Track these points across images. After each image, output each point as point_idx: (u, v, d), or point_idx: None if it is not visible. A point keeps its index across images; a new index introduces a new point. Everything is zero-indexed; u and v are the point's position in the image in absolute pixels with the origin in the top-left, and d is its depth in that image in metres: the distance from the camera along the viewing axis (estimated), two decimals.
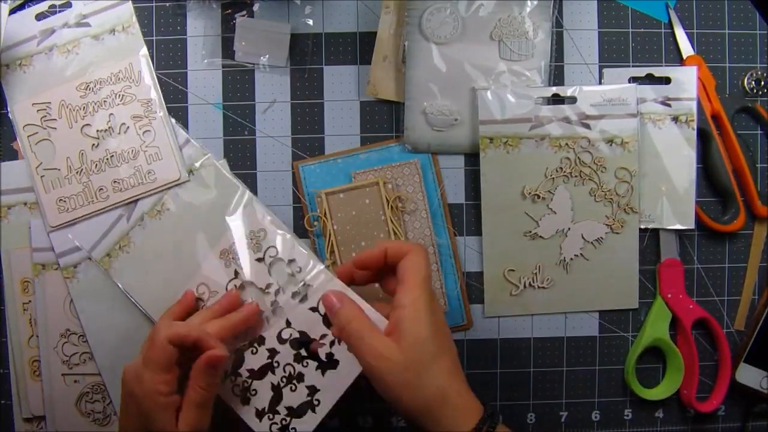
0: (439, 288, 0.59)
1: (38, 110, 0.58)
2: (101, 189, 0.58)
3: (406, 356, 0.44)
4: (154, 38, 0.59)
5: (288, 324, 0.52)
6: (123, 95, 0.58)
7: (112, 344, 0.58)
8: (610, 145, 0.59)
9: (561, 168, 0.59)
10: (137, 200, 0.58)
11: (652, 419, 0.61)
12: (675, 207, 0.59)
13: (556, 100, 0.59)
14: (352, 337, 0.46)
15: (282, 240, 0.54)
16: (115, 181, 0.58)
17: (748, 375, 0.60)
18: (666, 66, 0.60)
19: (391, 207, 0.58)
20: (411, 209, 0.59)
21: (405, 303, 0.45)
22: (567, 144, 0.59)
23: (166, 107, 0.59)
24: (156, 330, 0.49)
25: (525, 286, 0.60)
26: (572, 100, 0.59)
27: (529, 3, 0.59)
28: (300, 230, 0.60)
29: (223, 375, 0.52)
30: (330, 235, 0.58)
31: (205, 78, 0.60)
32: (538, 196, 0.59)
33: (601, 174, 0.59)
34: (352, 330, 0.46)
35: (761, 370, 0.60)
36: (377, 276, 0.51)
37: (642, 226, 0.60)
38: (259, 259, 0.54)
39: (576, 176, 0.59)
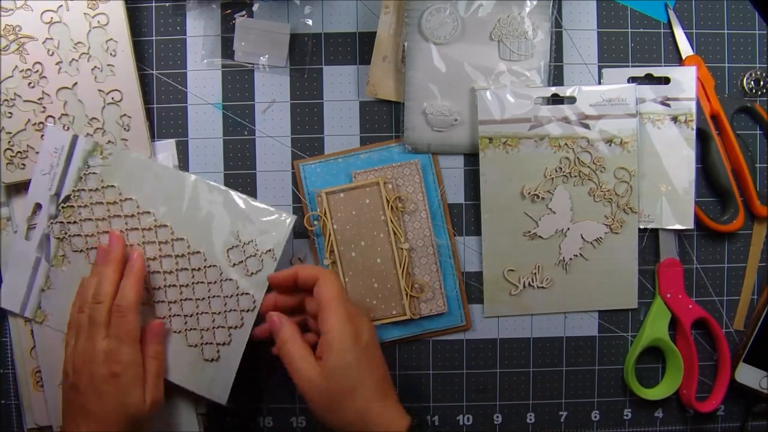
0: (438, 288, 0.59)
1: None
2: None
3: (329, 383, 0.47)
4: (153, 38, 0.59)
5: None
6: None
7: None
8: (610, 145, 0.59)
9: (560, 168, 0.59)
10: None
11: (652, 419, 0.61)
12: (674, 207, 0.59)
13: (556, 100, 0.59)
14: (285, 357, 0.49)
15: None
16: None
17: (748, 375, 0.60)
18: (665, 66, 0.60)
19: (391, 207, 0.58)
20: (411, 209, 0.59)
21: (326, 329, 0.48)
22: (566, 144, 0.59)
23: (166, 107, 0.59)
24: (128, 305, 0.50)
25: (524, 286, 0.60)
26: (571, 100, 0.59)
27: (528, 3, 0.59)
28: (300, 229, 0.60)
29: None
30: (330, 234, 0.58)
31: (204, 78, 0.60)
32: (538, 196, 0.59)
33: (601, 174, 0.59)
34: (286, 351, 0.49)
35: (761, 370, 0.60)
36: (298, 300, 0.54)
37: (641, 226, 0.60)
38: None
39: (575, 176, 0.59)
